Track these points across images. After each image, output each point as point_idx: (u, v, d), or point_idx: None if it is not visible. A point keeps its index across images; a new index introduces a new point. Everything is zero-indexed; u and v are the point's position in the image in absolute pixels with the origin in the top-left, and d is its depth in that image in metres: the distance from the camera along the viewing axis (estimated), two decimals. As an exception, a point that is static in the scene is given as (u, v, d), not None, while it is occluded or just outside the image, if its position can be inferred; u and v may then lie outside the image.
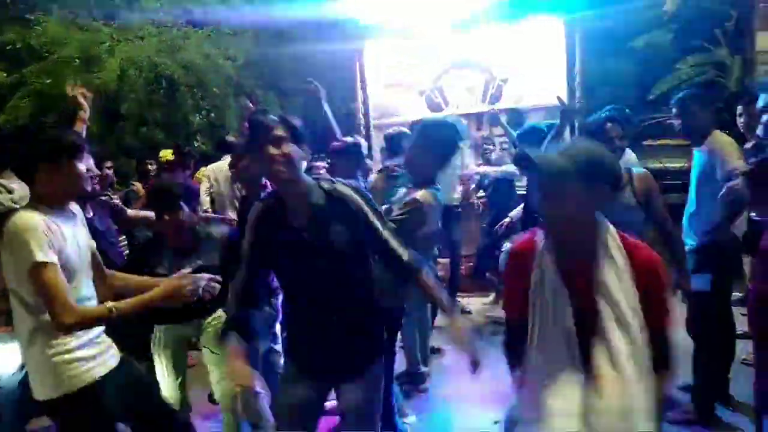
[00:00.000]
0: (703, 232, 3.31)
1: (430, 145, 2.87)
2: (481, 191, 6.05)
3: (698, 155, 3.44)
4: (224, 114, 7.67)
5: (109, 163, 5.39)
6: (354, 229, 2.12)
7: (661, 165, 6.28)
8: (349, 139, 3.71)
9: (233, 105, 7.71)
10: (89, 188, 2.40)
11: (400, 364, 3.93)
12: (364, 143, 3.81)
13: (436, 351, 4.82)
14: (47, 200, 2.13)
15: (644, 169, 3.31)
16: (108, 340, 2.34)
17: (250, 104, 4.10)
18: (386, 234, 2.14)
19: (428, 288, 2.20)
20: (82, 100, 3.48)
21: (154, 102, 7.45)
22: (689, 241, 3.43)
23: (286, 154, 2.04)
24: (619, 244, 1.68)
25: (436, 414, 3.79)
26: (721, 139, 3.34)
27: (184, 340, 3.16)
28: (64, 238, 2.10)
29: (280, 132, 2.05)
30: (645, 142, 6.48)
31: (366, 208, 2.13)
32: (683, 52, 7.50)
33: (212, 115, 7.61)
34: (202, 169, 4.89)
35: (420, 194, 2.81)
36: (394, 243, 2.15)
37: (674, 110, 3.51)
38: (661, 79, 7.28)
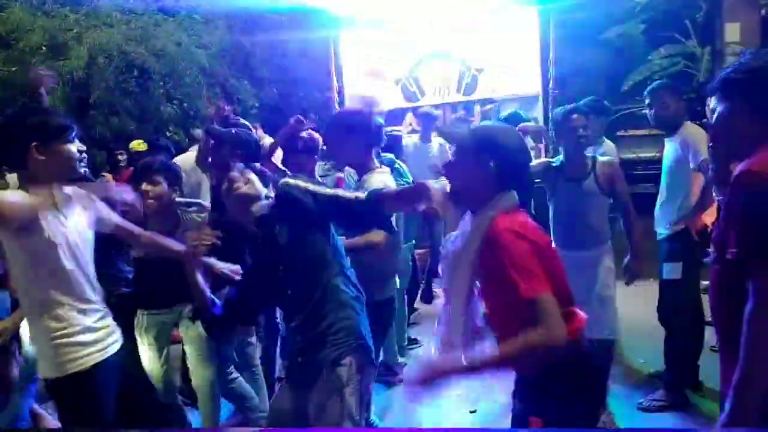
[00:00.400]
0: (674, 221, 3.37)
1: (346, 134, 2.92)
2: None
3: (670, 145, 3.48)
4: (197, 103, 7.54)
5: (78, 154, 5.27)
6: (306, 217, 2.14)
7: (634, 155, 6.35)
8: (304, 134, 3.68)
9: (206, 94, 7.59)
10: (81, 170, 2.43)
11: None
12: (319, 138, 3.77)
13: (413, 342, 4.83)
14: (43, 183, 2.17)
15: (608, 157, 3.48)
16: (111, 326, 2.37)
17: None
18: (334, 192, 2.20)
19: (393, 196, 2.22)
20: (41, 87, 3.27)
21: (125, 91, 7.28)
22: (661, 230, 3.48)
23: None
24: (488, 221, 1.77)
25: (413, 404, 3.79)
26: (692, 130, 3.39)
27: (166, 325, 3.16)
28: (53, 225, 2.14)
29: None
30: (618, 133, 6.54)
31: (308, 185, 2.17)
32: (655, 43, 7.56)
33: (185, 104, 7.47)
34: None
35: (371, 181, 2.86)
36: (345, 193, 2.20)
37: (647, 101, 3.55)
38: (633, 70, 7.34)
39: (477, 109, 6.61)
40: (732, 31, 7.09)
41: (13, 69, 6.94)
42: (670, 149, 3.47)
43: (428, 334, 4.83)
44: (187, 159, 4.63)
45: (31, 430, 3.29)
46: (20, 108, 2.84)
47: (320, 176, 4.01)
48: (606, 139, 4.68)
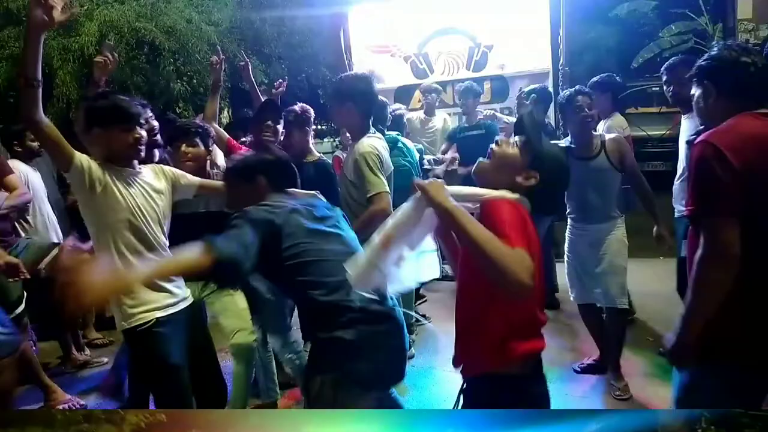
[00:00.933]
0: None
1: (347, 99, 2.91)
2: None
3: (688, 123, 3.32)
4: (206, 80, 7.37)
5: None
6: None
7: (644, 133, 6.15)
8: (297, 107, 3.55)
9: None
10: (141, 154, 2.41)
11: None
12: (311, 110, 3.68)
13: (423, 317, 4.71)
14: (109, 159, 2.29)
15: (614, 134, 3.55)
16: (177, 288, 2.44)
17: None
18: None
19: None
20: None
21: (135, 67, 7.10)
22: (680, 207, 3.32)
23: None
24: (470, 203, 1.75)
25: (422, 382, 3.69)
26: None
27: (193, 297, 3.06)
28: (123, 192, 2.29)
29: None
30: (627, 110, 6.33)
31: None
32: (666, 20, 7.32)
33: (194, 81, 7.30)
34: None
35: (361, 144, 2.88)
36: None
37: (663, 78, 3.39)
38: (643, 47, 7.11)
39: (487, 86, 6.41)
40: (744, 8, 6.83)
41: (25, 45, 6.76)
42: (688, 126, 3.30)
43: (437, 310, 4.73)
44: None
45: (39, 410, 3.23)
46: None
47: (321, 153, 3.88)
48: (618, 114, 4.52)
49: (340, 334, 1.92)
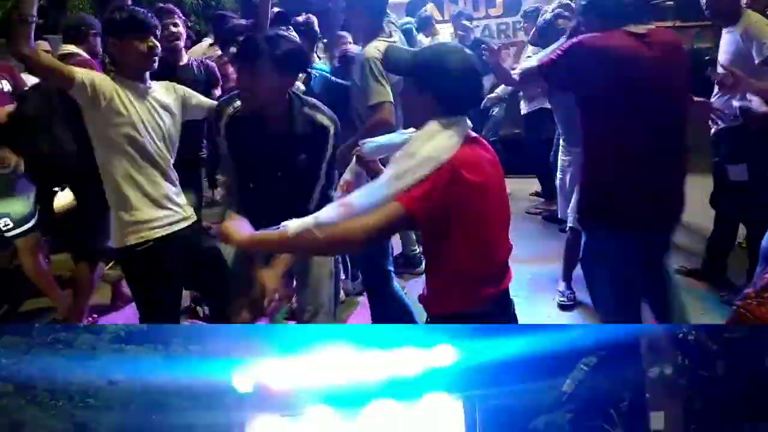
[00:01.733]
0: (734, 116, 2.80)
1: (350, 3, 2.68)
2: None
3: (729, 37, 2.91)
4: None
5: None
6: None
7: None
8: (301, 17, 3.15)
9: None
10: (154, 65, 2.20)
11: (395, 246, 3.55)
12: (315, 20, 3.35)
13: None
14: (121, 72, 2.17)
15: None
16: (179, 207, 2.27)
17: None
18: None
19: None
20: None
21: (148, -19, 6.49)
22: (721, 124, 2.93)
23: None
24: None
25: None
26: (755, 18, 2.83)
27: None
28: (128, 106, 2.13)
29: None
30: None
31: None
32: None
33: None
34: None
35: (368, 51, 2.56)
36: None
37: None
38: (658, -42, 6.41)
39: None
40: None
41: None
42: (728, 41, 2.90)
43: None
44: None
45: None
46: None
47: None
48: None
49: None
